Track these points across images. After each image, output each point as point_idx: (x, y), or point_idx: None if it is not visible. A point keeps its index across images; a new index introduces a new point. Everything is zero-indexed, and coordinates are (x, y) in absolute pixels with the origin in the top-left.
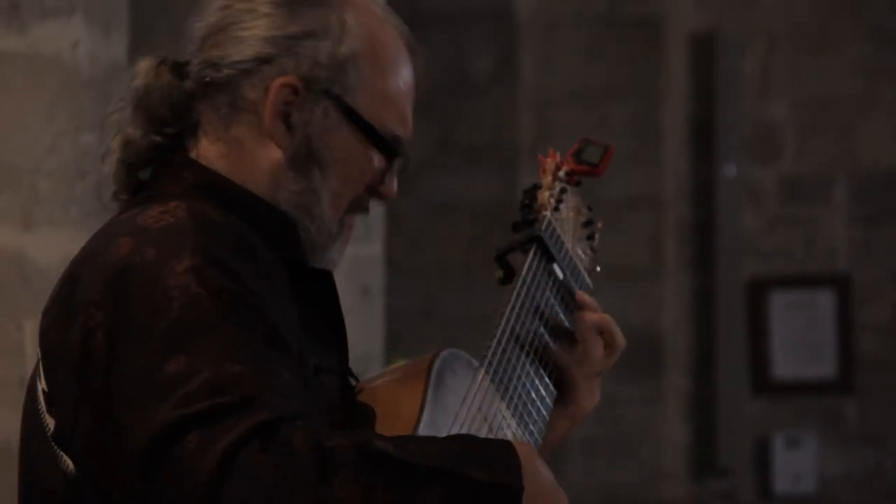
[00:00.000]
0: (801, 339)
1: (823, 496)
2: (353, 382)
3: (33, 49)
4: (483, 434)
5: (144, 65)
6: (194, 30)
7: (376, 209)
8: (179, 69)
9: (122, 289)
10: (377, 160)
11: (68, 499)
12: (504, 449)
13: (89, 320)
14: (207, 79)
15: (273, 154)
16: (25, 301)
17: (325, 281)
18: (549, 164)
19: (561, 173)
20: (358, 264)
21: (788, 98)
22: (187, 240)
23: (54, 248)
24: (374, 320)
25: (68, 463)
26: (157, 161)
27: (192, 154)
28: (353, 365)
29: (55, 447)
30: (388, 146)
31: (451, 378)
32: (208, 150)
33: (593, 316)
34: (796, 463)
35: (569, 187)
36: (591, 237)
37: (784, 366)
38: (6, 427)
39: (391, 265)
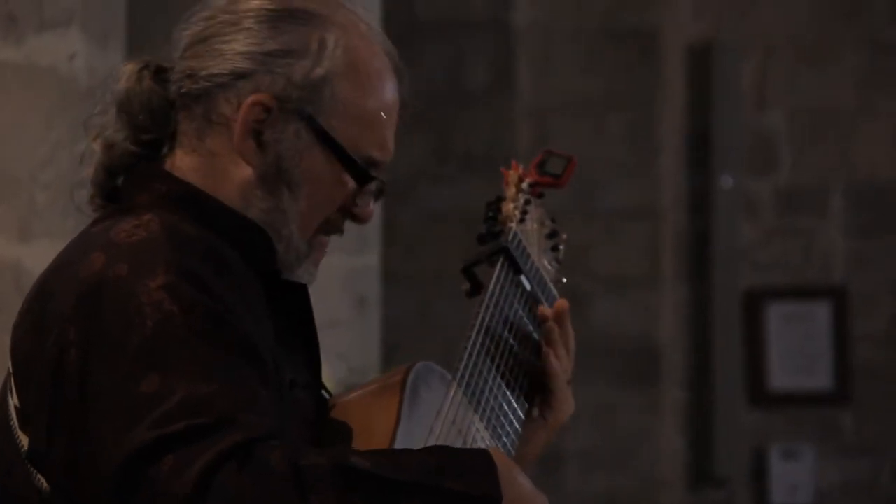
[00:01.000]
0: (797, 349)
1: None
2: (327, 397)
3: (31, 60)
4: (458, 446)
5: (128, 68)
6: (180, 37)
7: (373, 219)
8: (162, 75)
9: (96, 305)
10: (349, 182)
11: None
12: (480, 458)
13: (62, 336)
14: (184, 89)
15: (243, 171)
16: None
17: (299, 294)
18: (512, 175)
19: (524, 185)
20: (354, 275)
21: (785, 108)
22: (160, 255)
23: (51, 259)
24: (371, 331)
25: (42, 482)
26: (131, 169)
27: (167, 164)
28: (350, 377)
29: (28, 465)
30: (359, 170)
31: (426, 391)
32: (182, 161)
33: (549, 323)
34: (793, 473)
35: (532, 199)
36: (555, 248)
37: (781, 377)
38: None
39: (387, 274)
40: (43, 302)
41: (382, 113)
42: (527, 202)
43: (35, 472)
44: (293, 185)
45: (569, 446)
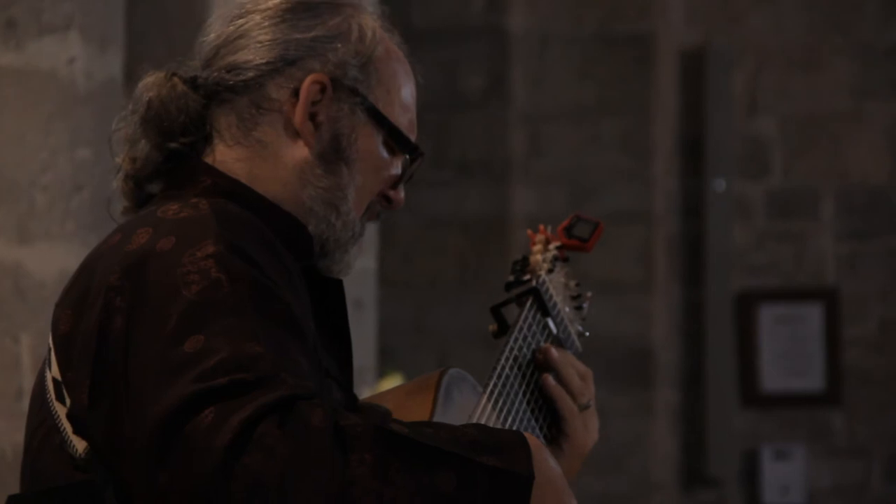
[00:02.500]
0: (789, 352)
1: None
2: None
3: (30, 65)
4: None
5: (153, 79)
6: (202, 45)
7: (369, 226)
8: (190, 82)
9: (142, 273)
10: (395, 162)
11: (76, 484)
12: (515, 438)
13: (108, 304)
14: (230, 82)
15: (300, 152)
16: (22, 314)
17: (335, 290)
18: (539, 238)
19: (551, 246)
20: (351, 277)
21: (777, 114)
22: (209, 230)
23: (51, 261)
24: (367, 333)
25: (76, 448)
26: (170, 169)
27: (208, 160)
28: None
29: (64, 432)
30: (411, 145)
31: (459, 395)
32: (225, 155)
33: (546, 345)
34: (784, 474)
35: (559, 260)
36: (579, 307)
37: (772, 379)
38: (2, 438)
39: (383, 279)
40: (86, 279)
41: (412, 99)
42: (555, 258)
43: (71, 438)
44: (350, 161)
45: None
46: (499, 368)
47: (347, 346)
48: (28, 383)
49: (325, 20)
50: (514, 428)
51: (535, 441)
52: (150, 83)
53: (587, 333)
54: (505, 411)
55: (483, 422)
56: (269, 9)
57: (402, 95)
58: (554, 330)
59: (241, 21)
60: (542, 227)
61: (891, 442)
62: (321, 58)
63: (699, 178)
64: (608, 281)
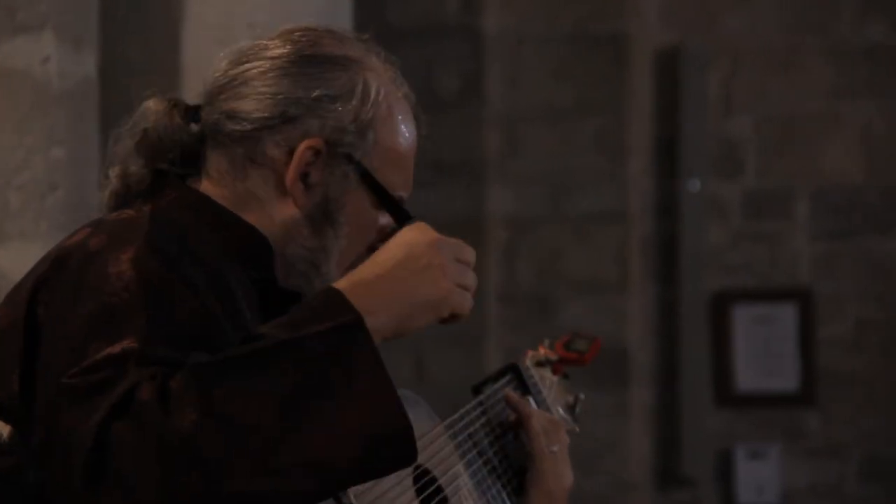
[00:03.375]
0: (763, 352)
1: None
2: None
3: (4, 64)
4: (445, 475)
5: (154, 104)
6: (211, 77)
7: None
8: (192, 113)
9: (68, 268)
10: (383, 222)
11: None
12: (326, 295)
13: (34, 294)
14: (227, 129)
15: (288, 210)
16: None
17: (295, 301)
18: (538, 354)
19: (552, 357)
20: None
21: (752, 115)
22: (138, 233)
23: (25, 260)
24: None
25: (2, 432)
26: (153, 189)
27: (195, 186)
28: None
29: None
30: (402, 211)
31: (410, 412)
32: (211, 190)
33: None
34: (759, 474)
35: (550, 375)
36: (573, 407)
37: (747, 378)
38: None
39: None
40: (27, 275)
41: (410, 152)
42: (543, 363)
43: None
44: (337, 224)
45: None
46: (463, 410)
47: None
48: None
49: (329, 78)
50: (476, 466)
51: (347, 285)
52: (150, 110)
53: (577, 430)
54: (463, 448)
55: (437, 449)
56: (276, 58)
57: (400, 151)
58: (534, 407)
59: (247, 66)
60: (541, 344)
61: (866, 442)
62: (320, 119)
63: (674, 178)
64: (584, 281)
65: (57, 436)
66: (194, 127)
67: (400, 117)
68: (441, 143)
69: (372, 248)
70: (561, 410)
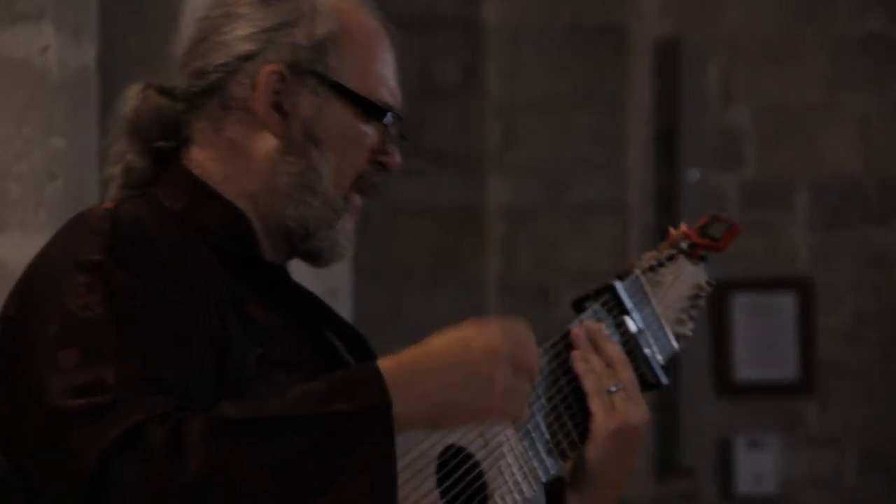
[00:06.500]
0: (762, 341)
1: (785, 497)
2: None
3: (3, 54)
4: (483, 448)
5: (131, 92)
6: (177, 54)
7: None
8: (168, 92)
9: (33, 280)
10: (373, 130)
11: None
12: (366, 373)
13: (6, 310)
14: (196, 88)
15: (268, 143)
16: None
17: (281, 276)
18: (676, 234)
19: (683, 244)
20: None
21: (751, 106)
22: (101, 237)
23: (24, 251)
24: None
25: None
26: (157, 174)
27: (184, 162)
28: None
29: None
30: (378, 108)
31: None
32: (200, 156)
33: (578, 329)
34: (758, 464)
35: (684, 259)
36: (695, 307)
37: (746, 368)
38: None
39: (356, 269)
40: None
41: (385, 65)
42: (670, 257)
43: None
44: (319, 142)
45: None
46: None
47: (320, 327)
48: None
49: (276, 10)
50: (529, 427)
51: (394, 366)
52: (128, 97)
53: (689, 333)
54: None
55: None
56: (225, 5)
57: (371, 63)
58: (632, 328)
59: (203, 23)
60: (684, 224)
61: (864, 432)
62: (276, 47)
63: (673, 169)
64: (582, 272)
65: (57, 455)
66: (176, 104)
67: (362, 31)
68: (440, 134)
69: (373, 161)
70: (675, 318)
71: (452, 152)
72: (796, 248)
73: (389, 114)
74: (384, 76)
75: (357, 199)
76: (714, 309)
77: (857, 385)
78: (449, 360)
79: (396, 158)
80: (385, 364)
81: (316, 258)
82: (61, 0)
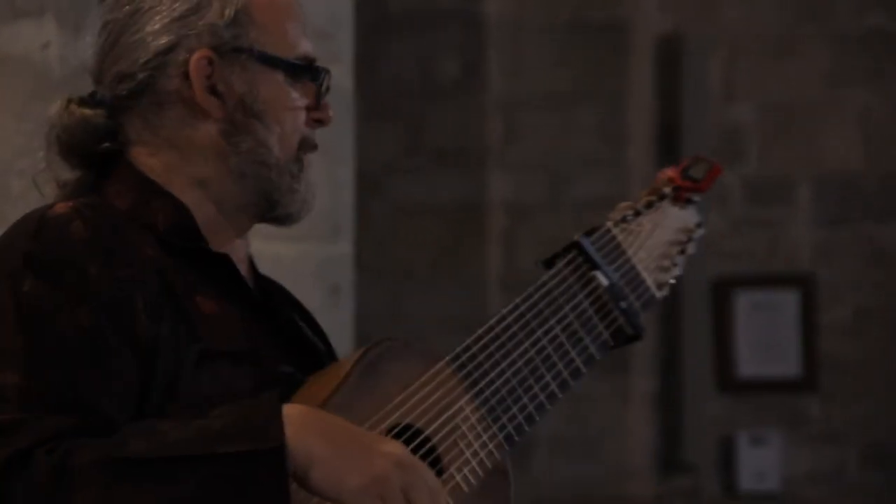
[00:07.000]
0: (765, 338)
1: (787, 493)
2: (289, 370)
3: (4, 50)
4: (435, 423)
5: (54, 111)
6: (90, 62)
7: (346, 208)
8: (90, 101)
9: None
10: (305, 91)
11: None
12: (268, 412)
13: None
14: (123, 92)
15: (212, 128)
16: None
17: (226, 266)
18: (661, 178)
19: (667, 189)
20: (327, 263)
21: (752, 102)
22: (26, 241)
23: None
24: (344, 319)
25: None
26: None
27: (131, 161)
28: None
29: None
30: (306, 69)
31: (394, 364)
32: (141, 153)
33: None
34: (760, 461)
35: (665, 203)
36: (682, 252)
37: (748, 365)
38: None
39: (358, 267)
40: None
41: (295, 16)
42: (648, 205)
43: None
44: (260, 115)
45: (538, 432)
46: (482, 332)
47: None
48: None
49: None
50: (490, 391)
51: (299, 408)
52: (52, 117)
53: (672, 280)
54: (477, 376)
55: (430, 389)
56: (127, 5)
57: (281, 18)
58: (604, 282)
59: (109, 27)
60: (673, 166)
61: (867, 428)
62: (194, 34)
63: (675, 165)
64: None
65: None
66: (98, 111)
67: None
68: (441, 131)
69: (310, 121)
70: (655, 266)
71: (453, 149)
72: (798, 244)
73: (317, 67)
74: (297, 33)
75: (306, 157)
76: (716, 306)
77: (859, 381)
78: (361, 440)
79: (329, 113)
80: (290, 409)
81: (285, 220)
82: None
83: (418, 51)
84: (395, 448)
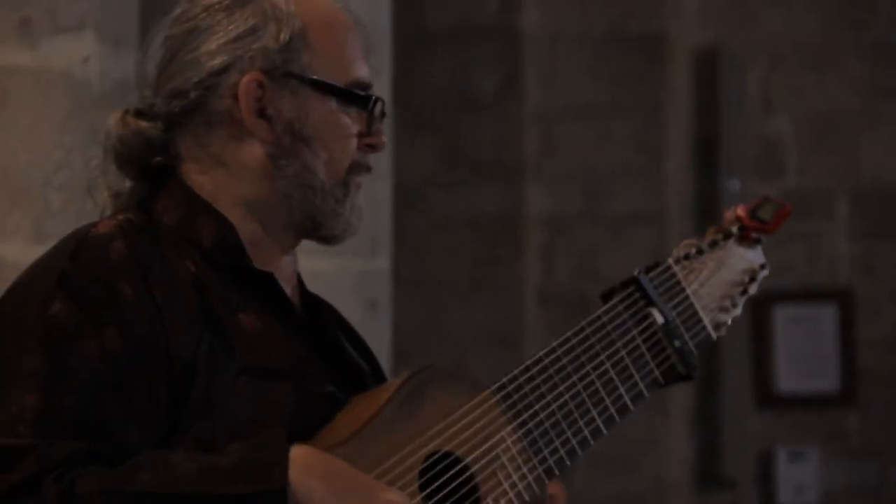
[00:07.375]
0: (804, 353)
1: None
2: (331, 388)
3: (44, 64)
4: (475, 452)
5: (112, 121)
6: (147, 73)
7: (384, 223)
8: (146, 113)
9: (10, 287)
10: (356, 116)
11: None
12: (274, 454)
13: None
14: (176, 108)
15: (259, 150)
16: None
17: (269, 283)
18: (729, 217)
19: (734, 229)
20: (365, 277)
21: (791, 114)
22: (63, 260)
23: None
24: (382, 334)
25: None
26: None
27: (182, 177)
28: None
29: None
30: (358, 96)
31: (438, 391)
32: (191, 169)
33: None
34: (799, 476)
35: (730, 242)
36: (744, 293)
37: (787, 379)
38: None
39: (396, 280)
40: None
41: (352, 44)
42: (713, 244)
43: None
44: (308, 140)
45: None
46: (529, 363)
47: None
48: None
49: (237, 17)
50: (533, 424)
51: (305, 450)
52: (110, 127)
53: (729, 322)
54: (521, 408)
55: (473, 419)
56: (186, 22)
57: (338, 44)
58: (659, 319)
59: (168, 43)
60: (740, 206)
61: None
62: (248, 55)
63: (713, 178)
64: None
65: None
66: (154, 124)
67: (322, 16)
68: (478, 143)
69: (361, 146)
70: (714, 307)
71: (490, 162)
72: (837, 258)
73: (370, 96)
74: (354, 57)
75: (357, 180)
76: (755, 320)
77: None
78: (365, 490)
79: (382, 139)
80: (297, 451)
81: (329, 240)
82: (102, 11)
83: (455, 64)
84: (396, 497)
